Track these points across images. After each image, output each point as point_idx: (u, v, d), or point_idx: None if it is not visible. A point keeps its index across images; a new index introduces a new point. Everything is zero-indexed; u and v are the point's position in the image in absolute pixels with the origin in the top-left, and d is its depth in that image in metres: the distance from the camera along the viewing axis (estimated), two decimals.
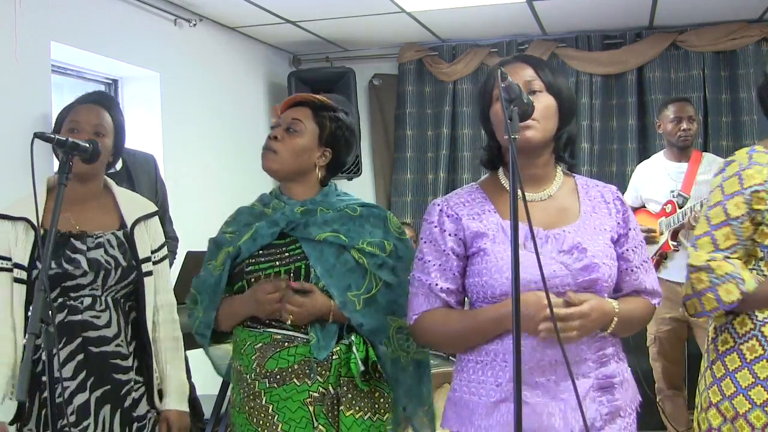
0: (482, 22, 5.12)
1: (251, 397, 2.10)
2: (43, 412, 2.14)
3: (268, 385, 2.07)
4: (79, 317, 2.18)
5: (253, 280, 2.12)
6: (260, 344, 2.10)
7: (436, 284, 1.86)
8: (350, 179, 5.29)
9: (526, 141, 1.80)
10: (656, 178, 4.14)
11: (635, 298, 1.91)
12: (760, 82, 2.14)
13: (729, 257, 2.01)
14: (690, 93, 5.15)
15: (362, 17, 4.87)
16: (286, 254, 2.13)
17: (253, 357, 2.10)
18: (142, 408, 2.26)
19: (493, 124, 1.89)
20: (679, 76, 5.28)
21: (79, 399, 2.15)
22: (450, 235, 1.86)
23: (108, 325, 2.20)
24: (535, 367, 1.75)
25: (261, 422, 2.07)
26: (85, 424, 2.15)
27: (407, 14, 4.84)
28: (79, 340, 2.17)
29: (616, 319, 1.79)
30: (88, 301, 2.19)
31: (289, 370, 2.06)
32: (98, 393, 2.18)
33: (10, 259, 2.20)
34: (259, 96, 5.43)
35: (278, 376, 2.07)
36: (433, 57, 5.65)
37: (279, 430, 2.05)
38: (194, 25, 4.55)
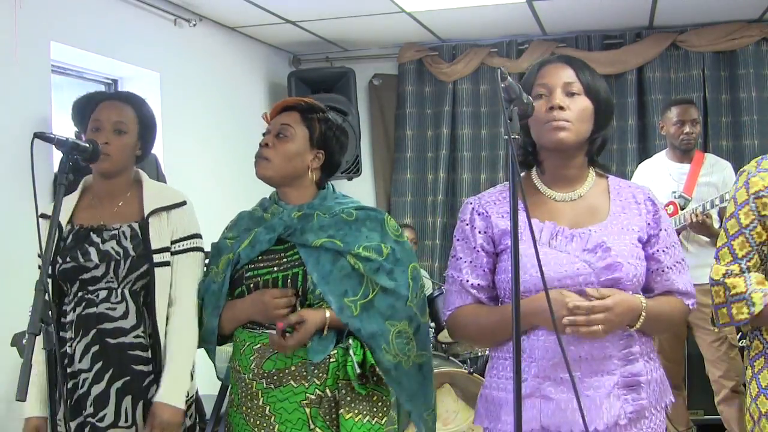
0: (482, 22, 5.12)
1: (249, 397, 2.10)
2: (68, 403, 2.18)
3: (265, 385, 2.08)
4: (94, 309, 2.20)
5: (252, 285, 2.13)
6: (259, 345, 2.11)
7: (467, 281, 1.90)
8: (350, 179, 5.29)
9: (559, 142, 1.82)
10: (658, 178, 4.13)
11: (667, 297, 1.91)
12: None
13: (747, 266, 2.08)
14: (690, 93, 5.15)
15: (362, 17, 4.87)
16: (284, 260, 2.14)
17: (252, 358, 2.11)
18: None
19: (529, 123, 1.88)
20: (679, 76, 5.28)
21: (96, 390, 2.17)
22: (480, 232, 1.90)
23: (124, 316, 2.21)
24: (560, 363, 1.75)
25: (258, 422, 2.08)
26: (101, 414, 2.16)
27: (407, 14, 4.84)
28: (94, 331, 2.19)
29: (644, 314, 1.80)
30: (104, 293, 2.21)
31: (287, 371, 2.07)
32: (118, 384, 2.18)
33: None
34: (259, 96, 5.43)
35: (275, 377, 2.07)
36: (433, 57, 5.65)
37: (276, 430, 2.05)
38: (194, 25, 4.55)
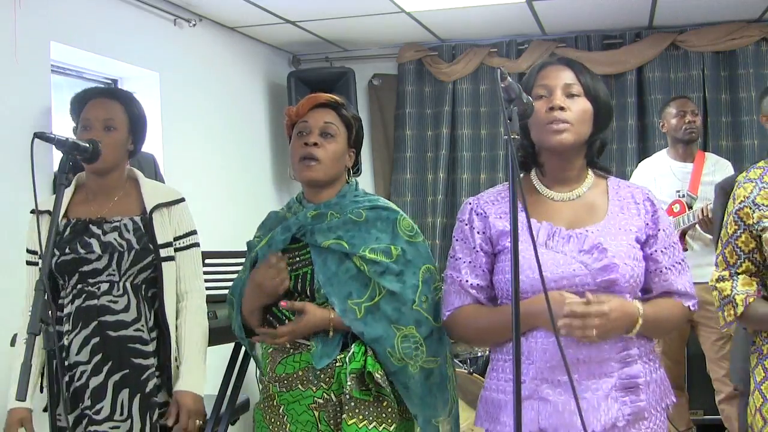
0: (482, 22, 5.12)
1: (268, 397, 2.15)
2: (67, 396, 2.19)
3: (279, 388, 2.11)
4: (95, 302, 2.21)
5: None
6: (272, 349, 2.14)
7: (467, 281, 1.91)
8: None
9: (559, 143, 1.83)
10: (661, 177, 4.13)
11: (665, 299, 1.90)
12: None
13: (737, 271, 2.15)
14: (690, 93, 5.14)
15: (362, 17, 4.87)
16: (297, 259, 2.13)
17: (268, 361, 2.15)
18: (162, 396, 2.27)
19: (529, 124, 1.88)
20: (678, 76, 5.27)
21: (94, 382, 2.19)
22: (478, 233, 1.91)
23: (126, 309, 2.23)
24: (557, 365, 1.76)
25: (273, 420, 2.12)
26: (98, 406, 2.18)
27: (407, 14, 4.84)
28: (94, 323, 2.20)
29: (641, 320, 1.79)
30: (105, 286, 2.22)
31: (294, 376, 2.09)
32: (116, 377, 2.20)
33: (37, 253, 2.27)
34: (259, 96, 5.42)
35: (286, 381, 2.10)
36: (432, 57, 5.65)
37: (287, 430, 2.09)
38: (194, 25, 4.54)
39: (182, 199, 2.38)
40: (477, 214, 1.93)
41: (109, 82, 4.29)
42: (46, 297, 1.78)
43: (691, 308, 1.93)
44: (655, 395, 1.86)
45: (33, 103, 3.41)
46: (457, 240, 1.95)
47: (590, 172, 1.95)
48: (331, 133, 2.15)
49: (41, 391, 2.23)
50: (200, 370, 2.30)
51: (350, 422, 2.01)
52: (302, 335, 2.07)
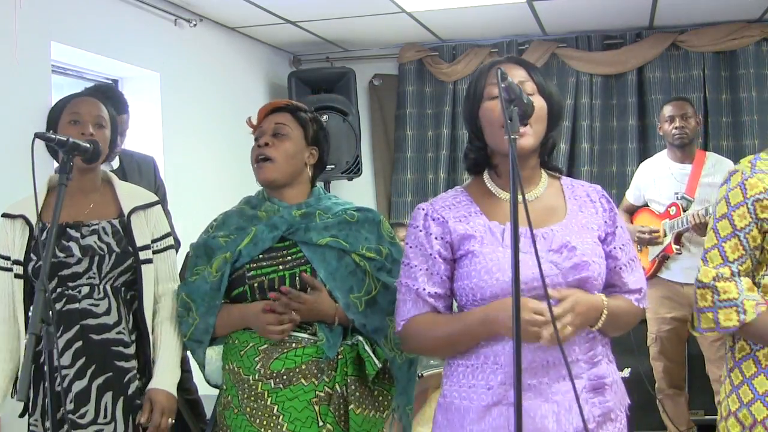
0: (482, 22, 5.12)
1: (253, 398, 2.10)
2: (45, 402, 2.17)
3: (273, 385, 2.08)
4: (77, 305, 2.19)
5: (256, 285, 2.13)
6: (265, 345, 2.11)
7: (424, 289, 1.84)
8: (350, 179, 5.28)
9: (519, 148, 1.74)
10: (660, 179, 4.13)
11: (621, 296, 1.89)
12: None
13: (738, 270, 2.02)
14: (690, 93, 5.14)
15: (362, 17, 4.87)
16: (289, 258, 2.14)
17: (257, 358, 2.11)
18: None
19: (482, 123, 1.84)
20: (679, 76, 5.27)
21: (78, 386, 2.17)
22: (436, 238, 1.84)
23: (107, 312, 2.21)
24: (527, 369, 1.72)
25: (265, 422, 2.08)
26: (83, 410, 2.16)
27: (407, 14, 4.84)
28: (77, 327, 2.18)
29: (605, 312, 1.77)
30: (86, 289, 2.21)
31: (297, 370, 2.08)
32: (100, 380, 2.18)
33: (9, 258, 2.24)
34: (259, 96, 5.42)
35: (284, 377, 2.08)
36: (433, 57, 5.65)
37: (284, 430, 2.05)
38: (194, 25, 4.55)
39: (158, 202, 2.38)
40: (434, 220, 1.85)
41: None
42: (46, 297, 1.77)
43: (641, 307, 1.91)
44: (618, 395, 1.84)
45: (33, 103, 3.40)
46: (410, 247, 1.87)
47: (543, 172, 1.91)
48: (283, 133, 2.21)
49: (12, 396, 2.21)
50: (174, 371, 2.27)
51: (357, 411, 2.09)
52: (316, 311, 2.09)
